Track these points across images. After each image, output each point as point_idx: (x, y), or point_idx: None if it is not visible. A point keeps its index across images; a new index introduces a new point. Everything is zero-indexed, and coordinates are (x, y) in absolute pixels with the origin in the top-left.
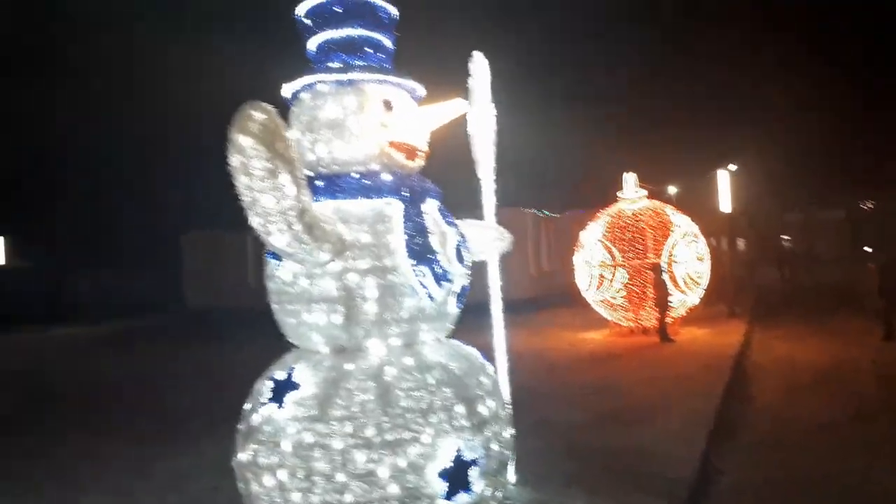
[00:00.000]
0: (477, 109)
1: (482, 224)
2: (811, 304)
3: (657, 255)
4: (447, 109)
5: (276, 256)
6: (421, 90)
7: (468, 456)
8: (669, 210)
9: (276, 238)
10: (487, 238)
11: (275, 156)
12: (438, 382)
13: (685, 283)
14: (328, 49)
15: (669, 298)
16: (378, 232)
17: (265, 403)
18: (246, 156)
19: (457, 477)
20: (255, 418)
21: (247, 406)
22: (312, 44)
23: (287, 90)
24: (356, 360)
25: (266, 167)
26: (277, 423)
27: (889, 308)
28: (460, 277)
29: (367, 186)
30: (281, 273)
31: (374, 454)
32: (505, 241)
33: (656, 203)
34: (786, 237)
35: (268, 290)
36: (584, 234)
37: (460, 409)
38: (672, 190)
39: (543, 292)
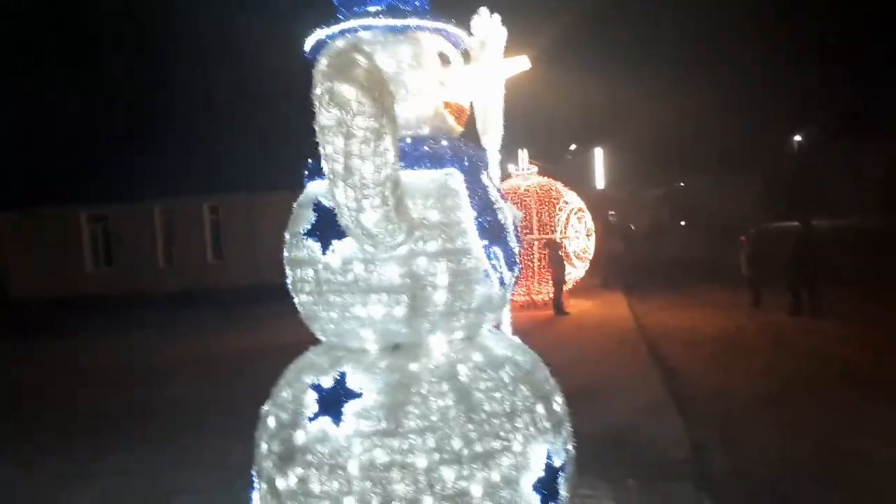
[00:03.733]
0: (484, 72)
1: None
2: (664, 274)
3: (543, 231)
4: (506, 66)
5: (321, 236)
6: (465, 42)
7: (556, 462)
8: (559, 187)
9: (368, 216)
10: None
11: (382, 113)
12: (514, 380)
13: (576, 257)
14: None
15: (565, 273)
16: (447, 208)
17: (313, 418)
18: (349, 111)
19: (549, 486)
20: (300, 436)
21: (272, 422)
22: None
23: (315, 38)
24: (419, 358)
25: (372, 127)
26: (336, 442)
27: (758, 277)
28: (519, 258)
29: (427, 154)
30: (329, 258)
31: (465, 469)
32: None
33: (547, 179)
34: (611, 212)
35: (294, 276)
36: None
37: (541, 409)
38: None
39: None
